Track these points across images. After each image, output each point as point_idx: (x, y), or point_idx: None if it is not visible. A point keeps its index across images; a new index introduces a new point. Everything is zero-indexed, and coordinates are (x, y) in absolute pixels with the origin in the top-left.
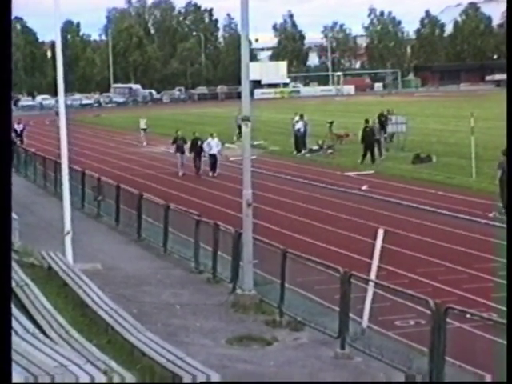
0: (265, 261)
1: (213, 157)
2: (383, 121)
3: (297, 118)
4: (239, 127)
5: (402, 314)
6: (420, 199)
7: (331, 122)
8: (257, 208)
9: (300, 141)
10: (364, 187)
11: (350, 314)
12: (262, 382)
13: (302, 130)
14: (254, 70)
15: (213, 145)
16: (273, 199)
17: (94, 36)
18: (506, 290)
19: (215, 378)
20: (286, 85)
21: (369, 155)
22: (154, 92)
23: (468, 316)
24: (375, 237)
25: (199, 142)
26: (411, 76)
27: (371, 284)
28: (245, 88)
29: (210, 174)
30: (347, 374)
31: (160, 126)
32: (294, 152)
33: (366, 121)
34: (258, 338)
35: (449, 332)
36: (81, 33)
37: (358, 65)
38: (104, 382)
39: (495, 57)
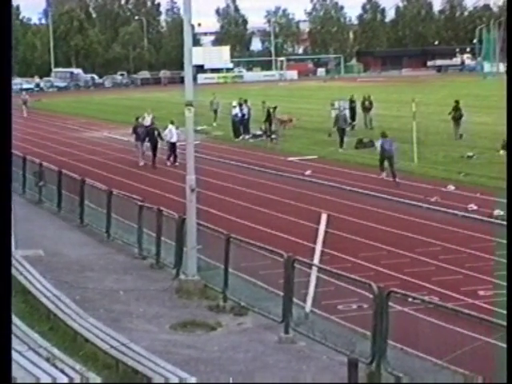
0: (208, 246)
1: (173, 145)
2: (354, 107)
3: (234, 103)
4: (215, 112)
5: (345, 298)
6: (363, 184)
7: (274, 108)
8: (200, 193)
9: (241, 126)
10: (307, 172)
11: (294, 299)
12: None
13: (239, 115)
14: (196, 55)
15: (173, 132)
16: (217, 184)
17: (34, 19)
18: (506, 290)
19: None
20: (229, 70)
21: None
22: (95, 76)
23: (410, 299)
24: (318, 221)
25: (155, 131)
26: (354, 61)
27: (314, 268)
28: (188, 73)
29: (168, 163)
30: (291, 358)
31: (102, 111)
32: (234, 137)
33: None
34: (201, 324)
35: (391, 315)
36: (21, 16)
37: (300, 50)
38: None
39: (436, 42)
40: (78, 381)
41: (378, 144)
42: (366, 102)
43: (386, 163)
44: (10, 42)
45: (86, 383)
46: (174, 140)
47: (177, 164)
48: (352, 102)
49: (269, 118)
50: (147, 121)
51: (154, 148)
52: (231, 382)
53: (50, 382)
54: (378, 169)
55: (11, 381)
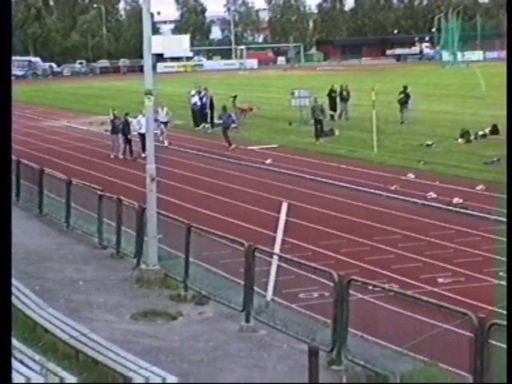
0: (169, 235)
1: (143, 136)
2: (334, 97)
3: (193, 91)
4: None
5: (306, 287)
6: (323, 173)
7: (235, 96)
8: (161, 183)
9: (202, 114)
10: (268, 161)
11: (255, 288)
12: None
13: (199, 103)
14: (156, 44)
15: (143, 123)
16: (177, 174)
17: None
18: (506, 290)
19: (171, 380)
20: (189, 58)
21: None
22: (54, 65)
23: (370, 287)
24: (279, 210)
25: (118, 121)
26: (313, 50)
27: (275, 257)
28: (147, 61)
29: (143, 155)
30: (252, 347)
31: (61, 100)
32: (194, 126)
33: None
34: (162, 313)
35: (351, 303)
36: None
37: (260, 39)
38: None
39: (395, 31)
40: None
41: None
42: (344, 92)
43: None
44: (10, 42)
45: (66, 383)
46: (143, 131)
47: (144, 155)
48: (332, 91)
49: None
50: (162, 116)
51: (129, 140)
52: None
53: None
54: (338, 157)
55: (11, 381)
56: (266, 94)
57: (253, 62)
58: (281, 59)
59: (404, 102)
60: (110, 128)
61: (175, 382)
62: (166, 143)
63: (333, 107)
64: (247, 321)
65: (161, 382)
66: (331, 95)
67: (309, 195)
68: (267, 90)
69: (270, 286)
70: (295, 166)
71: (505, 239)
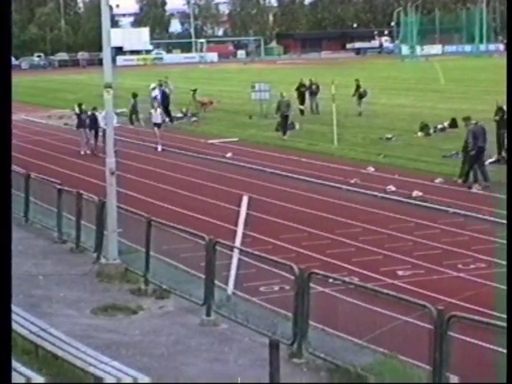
0: (129, 229)
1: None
2: (303, 91)
3: (153, 85)
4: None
5: (267, 280)
6: (283, 166)
7: (195, 90)
8: (121, 176)
9: (163, 108)
10: (228, 155)
11: (216, 281)
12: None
13: (159, 97)
14: (115, 37)
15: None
16: (137, 167)
17: None
18: (506, 290)
19: (144, 380)
20: (148, 51)
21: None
22: (12, 58)
23: (330, 280)
24: (240, 204)
25: (84, 115)
26: (274, 44)
27: (236, 251)
28: (106, 55)
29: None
30: (213, 341)
31: (19, 93)
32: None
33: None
34: (123, 308)
35: (312, 297)
36: None
37: (220, 32)
38: None
39: (355, 25)
40: None
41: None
42: (313, 86)
43: None
44: (10, 42)
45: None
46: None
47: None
48: (301, 86)
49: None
50: (156, 117)
51: (96, 134)
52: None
53: None
54: (298, 151)
55: (11, 381)
56: (227, 88)
57: (213, 56)
58: (241, 52)
59: (361, 96)
60: (71, 122)
61: (148, 382)
62: (159, 148)
63: (302, 101)
64: (208, 315)
65: (132, 381)
66: (300, 89)
67: (269, 189)
68: (227, 83)
69: (230, 279)
70: (256, 159)
71: (460, 231)
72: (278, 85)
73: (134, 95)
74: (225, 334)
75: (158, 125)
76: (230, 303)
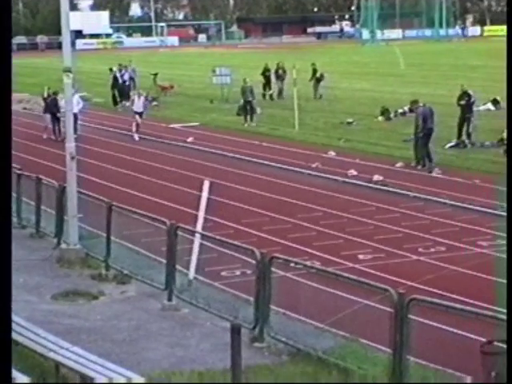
0: (90, 214)
1: (75, 116)
2: (269, 76)
3: (114, 68)
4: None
5: (229, 265)
6: (245, 151)
7: (155, 74)
8: (81, 161)
9: (123, 93)
10: (189, 139)
11: (177, 266)
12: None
13: (120, 81)
14: (74, 20)
15: (74, 102)
16: (98, 152)
17: None
18: (506, 290)
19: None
20: (108, 35)
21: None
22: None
23: (292, 265)
24: (201, 188)
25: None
26: (234, 28)
27: (198, 236)
28: (65, 38)
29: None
30: (174, 325)
31: None
32: (115, 105)
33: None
34: (84, 293)
35: (274, 281)
36: None
37: (181, 16)
38: None
39: (316, 9)
40: None
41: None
42: (280, 71)
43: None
44: (10, 42)
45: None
46: (75, 110)
47: (75, 136)
48: (266, 70)
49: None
50: (138, 105)
51: (58, 120)
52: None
53: None
54: (260, 135)
55: (11, 381)
56: (187, 72)
57: (173, 40)
58: (202, 37)
59: (319, 80)
60: (29, 106)
61: (142, 381)
62: (136, 137)
63: (268, 86)
64: (170, 299)
65: (126, 381)
66: (265, 74)
67: (231, 173)
68: (188, 67)
69: (192, 264)
70: (217, 144)
71: (420, 215)
72: (239, 69)
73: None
74: (186, 319)
75: (139, 113)
76: (191, 288)
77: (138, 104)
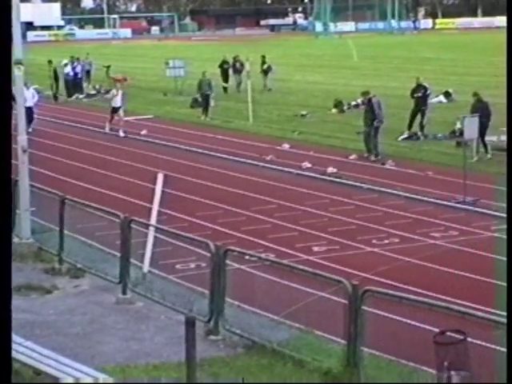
0: (43, 208)
1: (28, 109)
2: (227, 69)
3: (65, 61)
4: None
5: (183, 258)
6: (199, 143)
7: (108, 66)
8: (33, 154)
9: (75, 85)
10: (143, 132)
11: (131, 260)
12: None
13: (71, 73)
14: (25, 11)
15: (28, 96)
16: (50, 145)
17: None
18: (506, 289)
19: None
20: (60, 27)
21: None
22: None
23: (247, 257)
24: (155, 181)
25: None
26: (188, 20)
27: (152, 229)
28: (16, 30)
29: (29, 129)
30: (129, 319)
31: None
32: (67, 97)
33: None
34: (37, 287)
35: (228, 273)
36: None
37: (133, 8)
38: None
39: (269, 1)
40: None
41: None
42: (237, 64)
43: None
44: (10, 42)
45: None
46: (28, 104)
47: (29, 130)
48: (224, 63)
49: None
50: (117, 99)
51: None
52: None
53: None
54: (214, 128)
55: (11, 381)
56: (141, 64)
57: (126, 32)
58: (155, 29)
59: (266, 71)
60: None
61: (111, 382)
62: (121, 133)
63: (225, 79)
64: (124, 293)
65: (93, 381)
66: (223, 67)
67: (185, 166)
68: (141, 59)
69: (146, 257)
70: (171, 136)
71: (374, 207)
72: (192, 62)
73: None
74: (141, 312)
75: (117, 109)
76: (145, 281)
77: (116, 99)
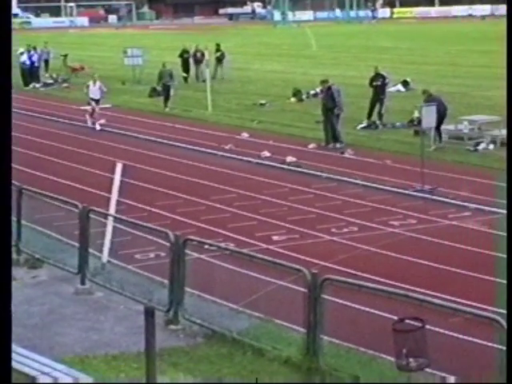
0: None
1: None
2: (187, 58)
3: (21, 49)
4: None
5: (142, 248)
6: (158, 132)
7: (65, 55)
8: None
9: (32, 74)
10: (101, 121)
11: (90, 250)
12: None
13: (28, 62)
14: None
15: None
16: None
17: None
18: (506, 289)
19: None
20: (15, 15)
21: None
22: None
23: (206, 247)
24: (113, 171)
25: None
26: (145, 8)
27: (110, 218)
28: None
29: None
30: (88, 309)
31: None
32: (23, 86)
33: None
34: None
35: (188, 263)
36: None
37: None
38: None
39: None
40: None
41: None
42: (198, 54)
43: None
44: (10, 43)
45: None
46: None
47: None
48: (184, 52)
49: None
50: (94, 91)
51: None
52: None
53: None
54: (172, 117)
55: (11, 381)
56: (98, 53)
57: (83, 20)
58: (112, 17)
59: (220, 59)
60: None
61: (90, 382)
62: (97, 127)
63: (185, 69)
64: (83, 283)
65: (73, 381)
66: (183, 56)
67: (143, 155)
68: (99, 48)
69: (105, 247)
70: (129, 126)
71: (333, 195)
72: (151, 50)
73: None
74: (100, 303)
75: (96, 101)
76: (104, 271)
77: (95, 90)
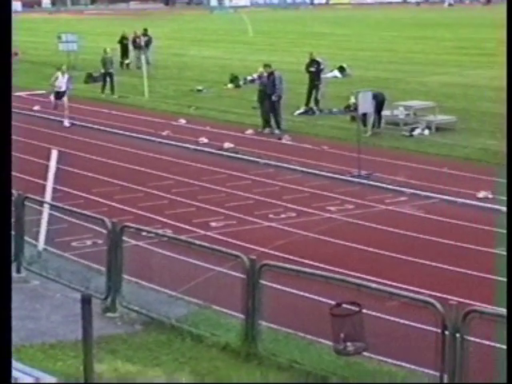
0: None
1: None
2: (126, 44)
3: None
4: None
5: (79, 235)
6: (94, 119)
7: None
8: None
9: None
10: (36, 107)
11: (26, 237)
12: None
13: None
14: None
15: None
16: None
17: None
18: (506, 289)
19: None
20: None
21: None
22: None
23: (144, 234)
24: (49, 158)
25: None
26: None
27: (46, 206)
28: None
29: None
30: (24, 298)
31: None
32: None
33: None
34: None
35: (126, 250)
36: None
37: None
38: None
39: None
40: None
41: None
42: (137, 39)
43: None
44: (10, 43)
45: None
46: None
47: None
48: (124, 38)
49: None
50: (61, 83)
51: None
52: None
53: None
54: (109, 103)
55: (11, 381)
56: (32, 38)
57: (16, 5)
58: (46, 2)
59: (147, 44)
60: None
61: (54, 382)
62: (66, 122)
63: (125, 55)
64: (18, 271)
65: (34, 381)
66: (123, 42)
67: (79, 142)
68: (33, 33)
69: (41, 235)
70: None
71: (271, 181)
72: (86, 36)
73: None
74: (36, 291)
75: (62, 93)
76: (41, 259)
77: (62, 82)
